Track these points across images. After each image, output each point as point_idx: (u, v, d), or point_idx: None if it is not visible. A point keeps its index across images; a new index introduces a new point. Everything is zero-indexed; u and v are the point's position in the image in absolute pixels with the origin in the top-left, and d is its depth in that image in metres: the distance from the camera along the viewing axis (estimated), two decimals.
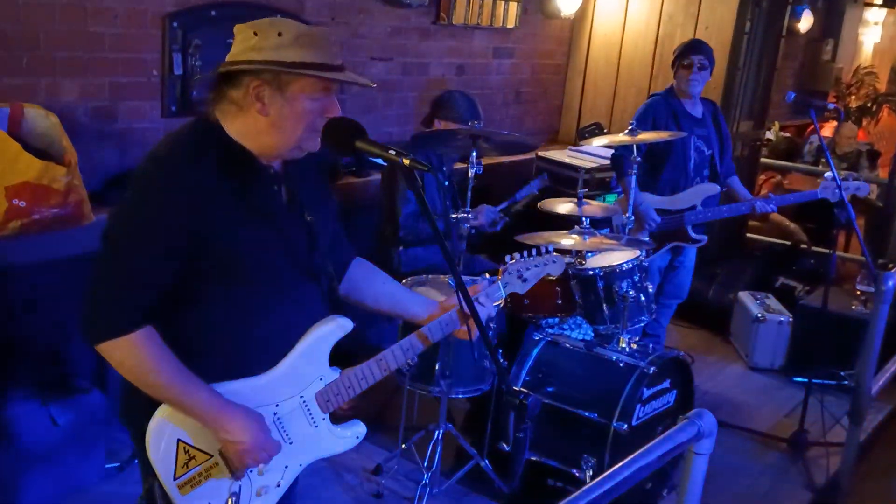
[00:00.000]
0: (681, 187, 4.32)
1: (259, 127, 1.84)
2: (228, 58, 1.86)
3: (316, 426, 2.02)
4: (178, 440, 1.87)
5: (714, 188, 4.35)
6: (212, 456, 1.90)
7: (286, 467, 2.01)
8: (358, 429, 2.12)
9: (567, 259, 3.88)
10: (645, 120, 4.21)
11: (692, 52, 4.24)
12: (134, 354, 1.77)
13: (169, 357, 1.80)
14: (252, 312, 1.89)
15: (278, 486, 2.00)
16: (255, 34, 1.82)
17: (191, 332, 1.84)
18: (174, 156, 1.80)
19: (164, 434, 1.86)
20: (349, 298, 2.16)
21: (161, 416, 1.85)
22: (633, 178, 4.01)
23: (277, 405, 1.96)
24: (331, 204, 2.12)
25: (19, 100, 3.29)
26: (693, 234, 4.34)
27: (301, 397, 1.99)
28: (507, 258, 2.30)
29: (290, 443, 1.99)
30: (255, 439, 1.88)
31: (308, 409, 2.00)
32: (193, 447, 1.88)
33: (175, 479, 1.87)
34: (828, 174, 4.05)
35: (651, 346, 3.59)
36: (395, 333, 3.30)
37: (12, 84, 3.35)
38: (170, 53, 3.77)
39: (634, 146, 3.99)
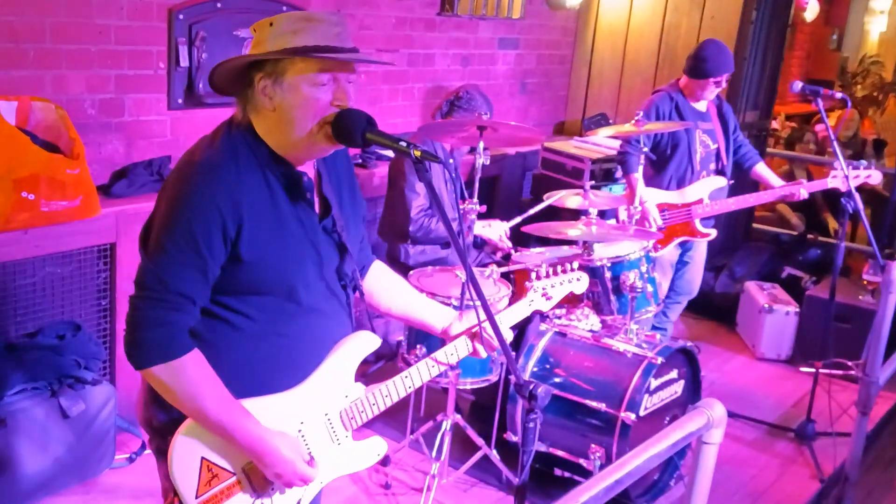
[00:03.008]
0: (687, 181, 4.29)
1: (272, 124, 1.81)
2: None
3: (339, 443, 2.00)
4: (202, 458, 1.83)
5: (721, 181, 4.32)
6: (234, 474, 1.87)
7: (306, 486, 1.96)
8: (378, 446, 2.08)
9: (575, 250, 3.89)
10: (648, 117, 4.18)
11: (726, 70, 4.15)
12: (183, 379, 1.73)
13: (215, 382, 1.76)
14: (281, 326, 1.85)
15: (299, 503, 1.98)
16: (254, 30, 1.81)
17: (219, 346, 1.81)
18: (212, 164, 1.74)
19: (188, 451, 1.82)
20: (363, 301, 2.14)
21: (185, 433, 1.81)
22: (640, 176, 3.99)
23: (303, 422, 1.93)
24: (360, 207, 2.06)
25: (26, 93, 3.30)
26: (702, 229, 4.31)
27: (326, 414, 1.96)
28: (533, 276, 2.30)
29: (314, 460, 1.96)
30: (292, 470, 1.85)
31: (332, 427, 1.98)
32: (217, 465, 1.85)
33: (197, 497, 1.83)
34: (836, 163, 4.03)
35: (659, 336, 3.59)
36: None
37: (19, 77, 3.35)
38: (176, 46, 3.77)
39: (642, 141, 3.97)
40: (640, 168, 3.99)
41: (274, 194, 1.79)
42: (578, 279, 2.37)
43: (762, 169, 4.48)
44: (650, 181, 4.25)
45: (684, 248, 4.42)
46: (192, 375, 1.74)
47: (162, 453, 1.87)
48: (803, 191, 4.24)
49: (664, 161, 4.28)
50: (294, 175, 1.84)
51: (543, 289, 2.30)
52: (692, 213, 4.27)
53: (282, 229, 1.80)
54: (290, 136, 1.81)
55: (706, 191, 4.27)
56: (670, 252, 4.34)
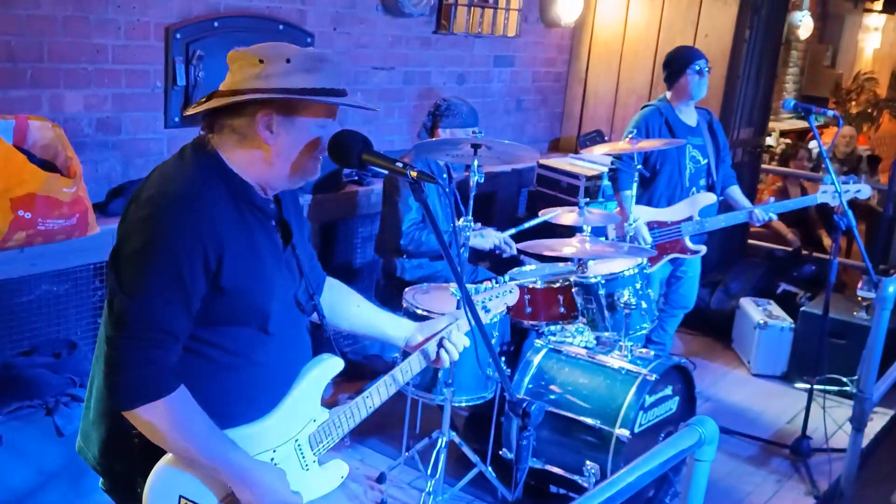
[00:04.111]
0: (677, 198, 4.29)
1: (263, 157, 1.79)
2: (229, 86, 1.79)
3: (307, 469, 1.98)
4: (180, 496, 1.79)
5: (711, 197, 4.32)
6: None
7: None
8: (341, 469, 2.08)
9: (569, 266, 3.91)
10: (638, 132, 4.20)
11: (697, 57, 4.21)
12: (169, 418, 1.68)
13: (203, 417, 1.73)
14: (253, 355, 1.84)
15: None
16: (261, 61, 1.75)
17: (193, 379, 1.76)
18: (190, 194, 1.71)
19: (165, 491, 1.77)
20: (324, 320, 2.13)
21: (161, 471, 1.77)
22: (632, 195, 4.00)
23: (275, 451, 1.91)
24: (306, 228, 2.07)
25: (24, 111, 3.31)
26: (691, 246, 4.31)
27: (296, 440, 1.95)
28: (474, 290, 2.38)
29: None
30: (281, 499, 1.84)
31: (301, 453, 1.97)
32: (194, 503, 1.82)
33: None
34: (826, 178, 4.05)
35: (654, 353, 3.60)
36: None
37: (17, 96, 3.37)
38: (173, 65, 3.79)
39: (635, 159, 3.99)
40: (635, 185, 4.00)
41: (247, 223, 1.79)
42: (510, 291, 2.45)
43: (734, 192, 4.46)
44: (639, 199, 4.23)
45: (677, 263, 4.42)
46: (179, 413, 1.70)
47: (121, 496, 1.86)
48: (770, 214, 4.26)
49: (653, 178, 4.28)
50: (262, 203, 1.84)
51: (482, 301, 2.35)
52: (682, 231, 4.27)
53: (256, 258, 1.79)
54: (278, 170, 1.81)
55: (696, 207, 4.27)
56: (661, 269, 4.34)
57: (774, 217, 4.33)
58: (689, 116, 4.34)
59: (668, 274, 4.44)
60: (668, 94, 4.34)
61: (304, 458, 1.97)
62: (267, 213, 1.85)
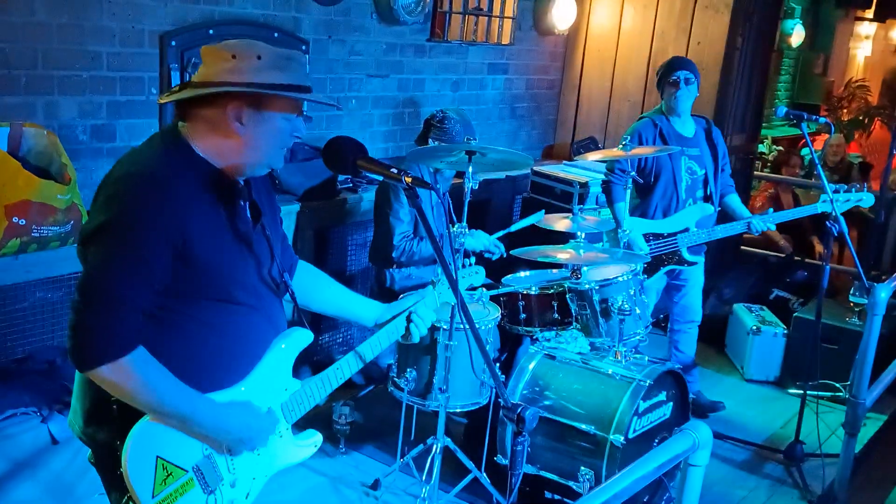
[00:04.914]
0: (672, 210, 4.23)
1: (232, 146, 1.89)
2: (202, 78, 1.89)
3: (280, 436, 2.09)
4: (157, 457, 1.86)
5: (708, 208, 4.25)
6: (187, 472, 1.91)
7: (254, 479, 2.05)
8: (315, 438, 2.20)
9: (563, 273, 3.92)
10: (631, 142, 4.17)
11: (677, 68, 4.17)
12: (131, 376, 1.76)
13: (163, 373, 1.82)
14: (220, 330, 1.92)
15: (247, 497, 2.05)
16: (234, 57, 1.86)
17: (163, 348, 1.84)
18: (154, 174, 1.81)
19: (142, 451, 1.84)
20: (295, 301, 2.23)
21: (138, 431, 1.83)
22: (625, 205, 3.99)
23: None
24: (278, 209, 2.18)
25: (18, 119, 3.32)
26: (689, 257, 4.25)
27: (268, 408, 2.04)
28: (439, 271, 2.49)
29: (258, 454, 2.05)
30: (255, 427, 1.97)
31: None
32: (171, 463, 1.88)
33: (153, 496, 1.85)
34: (828, 187, 4.04)
35: (647, 359, 3.60)
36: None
37: (11, 103, 3.38)
38: (168, 72, 3.80)
39: (628, 166, 3.98)
40: (627, 195, 3.98)
41: (213, 203, 1.88)
42: (476, 272, 2.65)
43: (732, 200, 4.41)
44: (635, 210, 4.22)
45: (674, 274, 4.37)
46: (140, 371, 1.77)
47: (104, 464, 1.92)
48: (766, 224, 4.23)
49: (648, 189, 4.23)
50: (229, 185, 1.92)
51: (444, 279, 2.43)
52: (679, 242, 4.22)
53: (222, 235, 1.88)
54: (248, 158, 1.91)
55: (693, 219, 4.23)
56: (657, 280, 4.29)
57: (773, 227, 4.28)
58: (685, 126, 4.28)
59: (664, 285, 4.39)
60: (663, 104, 4.31)
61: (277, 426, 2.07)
62: (235, 194, 1.93)
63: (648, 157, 4.16)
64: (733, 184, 4.51)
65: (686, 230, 4.23)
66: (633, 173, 3.98)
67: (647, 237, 4.21)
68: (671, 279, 4.40)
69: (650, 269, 4.22)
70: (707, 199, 4.32)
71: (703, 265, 4.39)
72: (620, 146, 3.85)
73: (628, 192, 3.98)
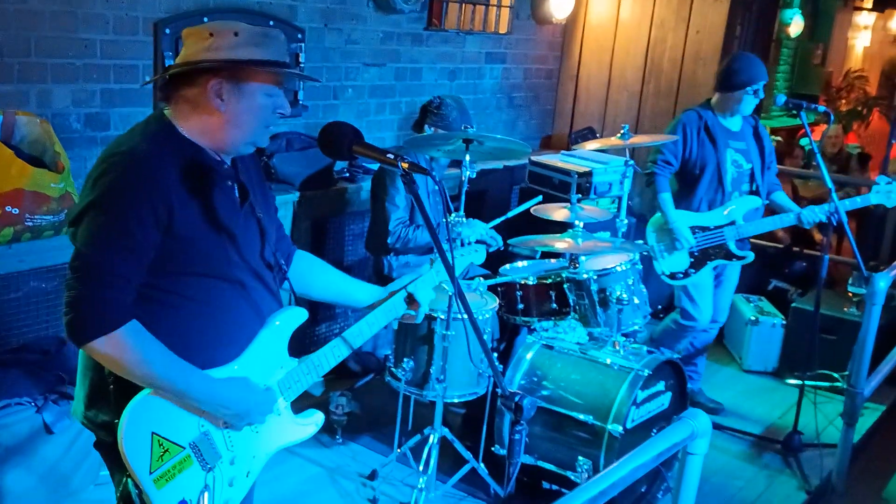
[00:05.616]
0: (718, 203, 4.14)
1: (215, 123, 1.91)
2: (183, 59, 1.91)
3: (279, 414, 2.09)
4: (153, 433, 1.86)
5: (756, 201, 4.16)
6: (184, 448, 1.91)
7: (254, 457, 2.05)
8: (316, 417, 2.19)
9: (561, 262, 3.90)
10: (674, 134, 4.08)
11: (757, 79, 4.02)
12: (125, 348, 1.78)
13: (158, 346, 1.83)
14: (212, 307, 1.94)
15: (247, 475, 2.05)
16: (211, 34, 1.88)
17: (156, 326, 1.85)
18: (139, 154, 1.83)
19: (137, 427, 1.85)
20: (295, 291, 2.25)
21: (134, 407, 1.84)
22: (669, 195, 3.95)
23: None
24: (271, 198, 2.20)
25: (11, 107, 3.29)
26: (737, 251, 4.17)
27: (265, 386, 2.04)
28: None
29: (257, 432, 2.05)
30: (252, 402, 1.97)
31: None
32: (167, 439, 1.89)
33: (150, 473, 1.86)
34: (881, 178, 3.99)
35: (646, 349, 3.59)
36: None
37: (4, 91, 3.35)
38: (162, 60, 3.77)
39: (672, 157, 3.97)
40: (669, 188, 3.92)
41: (200, 182, 1.89)
42: (476, 251, 2.60)
43: (780, 197, 4.31)
44: (679, 203, 4.14)
45: (717, 271, 4.27)
46: (135, 343, 1.79)
47: (105, 445, 1.94)
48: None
49: (693, 182, 4.14)
50: (215, 164, 1.95)
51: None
52: (725, 235, 4.14)
53: (209, 211, 1.90)
54: (232, 135, 1.93)
55: (739, 212, 4.14)
56: (706, 276, 4.20)
57: (823, 219, 4.04)
58: (733, 121, 4.18)
59: (713, 283, 4.26)
60: (715, 98, 4.17)
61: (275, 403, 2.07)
62: (221, 174, 1.95)
63: (693, 148, 4.10)
64: (780, 183, 4.40)
65: (733, 223, 4.14)
66: (672, 162, 3.96)
67: (693, 230, 4.14)
68: (714, 276, 4.29)
69: (697, 264, 4.17)
70: (754, 192, 4.22)
71: (746, 262, 4.26)
72: (621, 133, 3.81)
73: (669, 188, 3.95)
